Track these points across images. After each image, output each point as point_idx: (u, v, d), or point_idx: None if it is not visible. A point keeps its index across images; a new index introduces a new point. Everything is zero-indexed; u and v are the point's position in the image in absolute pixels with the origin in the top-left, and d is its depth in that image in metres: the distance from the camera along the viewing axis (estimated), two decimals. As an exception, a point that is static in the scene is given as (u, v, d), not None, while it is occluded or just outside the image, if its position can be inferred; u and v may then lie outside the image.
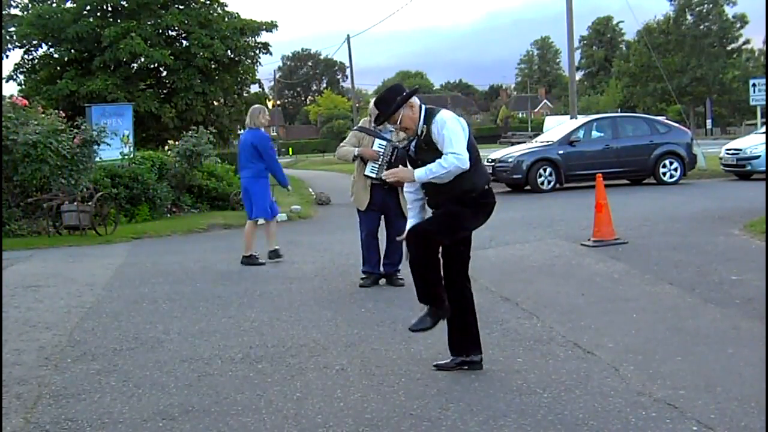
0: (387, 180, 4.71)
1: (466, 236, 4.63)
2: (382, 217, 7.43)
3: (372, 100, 7.69)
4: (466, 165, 4.33)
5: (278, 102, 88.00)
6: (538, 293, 6.76)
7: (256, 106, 9.41)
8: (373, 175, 7.11)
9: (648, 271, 7.42)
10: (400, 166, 4.98)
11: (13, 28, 25.80)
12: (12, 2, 27.09)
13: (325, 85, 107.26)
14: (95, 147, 13.20)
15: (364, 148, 7.18)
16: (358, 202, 7.38)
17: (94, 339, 5.69)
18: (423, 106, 4.52)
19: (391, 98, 4.51)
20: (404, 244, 4.74)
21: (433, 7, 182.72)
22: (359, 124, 7.54)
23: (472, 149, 4.45)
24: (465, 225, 4.57)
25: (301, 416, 3.96)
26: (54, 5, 26.50)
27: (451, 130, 4.36)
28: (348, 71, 63.66)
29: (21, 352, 5.33)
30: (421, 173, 4.39)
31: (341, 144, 7.53)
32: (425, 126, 4.45)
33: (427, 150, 4.44)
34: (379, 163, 7.07)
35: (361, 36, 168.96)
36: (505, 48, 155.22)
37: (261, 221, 9.18)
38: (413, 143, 4.57)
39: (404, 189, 4.86)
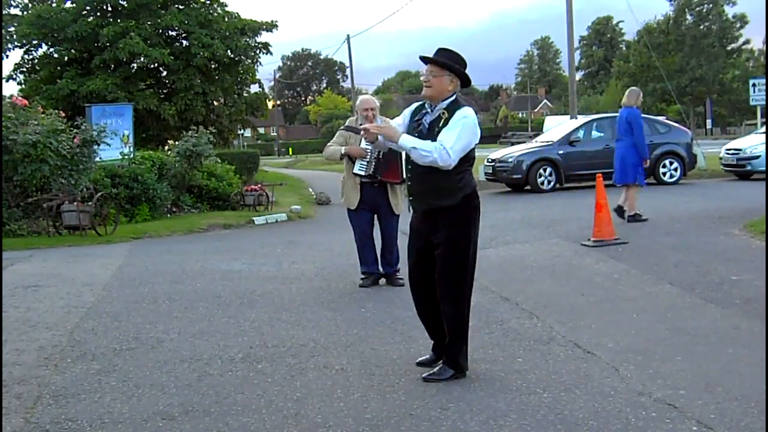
0: (369, 131, 4.49)
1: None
2: (375, 217, 7.41)
3: (360, 97, 7.65)
4: (449, 166, 4.28)
5: (278, 102, 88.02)
6: (538, 293, 6.76)
7: (634, 88, 11.33)
8: (363, 173, 7.08)
9: (648, 271, 7.41)
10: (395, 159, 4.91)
11: (13, 28, 25.80)
12: (12, 2, 27.09)
13: (325, 85, 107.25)
14: (95, 147, 13.19)
15: (351, 146, 7.12)
16: (349, 202, 7.34)
17: (94, 339, 5.69)
18: (456, 95, 4.44)
19: (455, 58, 4.40)
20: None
21: (438, 7, 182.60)
22: (346, 124, 7.50)
23: (470, 155, 4.45)
24: (474, 236, 4.56)
25: (301, 416, 3.96)
26: (54, 5, 26.52)
27: (465, 129, 4.31)
28: (348, 71, 63.71)
29: (21, 352, 5.33)
30: (407, 141, 4.30)
31: (328, 144, 7.44)
32: (446, 111, 4.37)
33: (436, 135, 4.35)
34: (367, 160, 7.02)
35: (363, 36, 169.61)
36: (507, 48, 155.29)
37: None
38: (428, 117, 4.44)
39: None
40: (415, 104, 4.66)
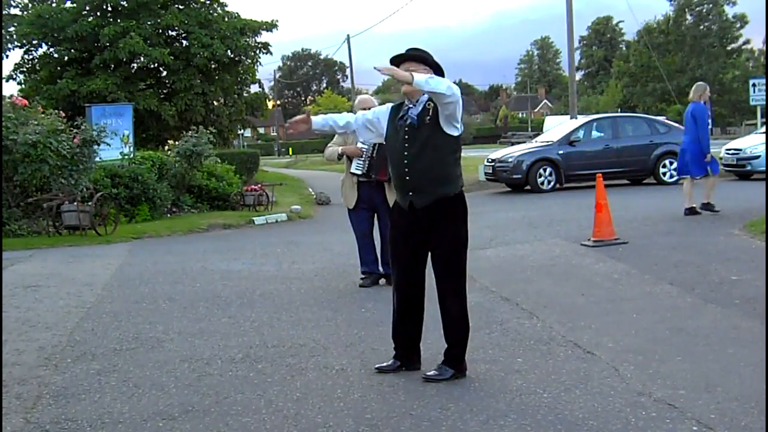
0: (382, 72, 4.35)
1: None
2: (375, 216, 7.41)
3: (359, 96, 7.64)
4: (456, 98, 4.28)
5: (278, 102, 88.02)
6: (538, 293, 6.76)
7: (700, 83, 11.79)
8: (359, 172, 7.10)
9: (648, 271, 7.41)
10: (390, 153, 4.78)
11: (13, 28, 25.80)
12: (12, 2, 27.09)
13: (325, 85, 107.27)
14: (95, 147, 13.19)
15: (348, 146, 7.16)
16: (347, 201, 7.38)
17: (94, 339, 5.69)
18: None
19: (431, 59, 4.49)
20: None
21: (440, 7, 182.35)
22: None
23: (461, 146, 4.54)
24: (467, 236, 4.54)
25: (301, 416, 3.96)
26: (54, 5, 26.52)
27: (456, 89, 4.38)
28: (348, 71, 63.72)
29: (21, 352, 5.33)
30: (420, 77, 4.21)
31: (328, 145, 7.51)
32: (431, 102, 4.39)
33: (428, 125, 4.39)
34: (363, 159, 7.06)
35: (363, 36, 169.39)
36: (509, 48, 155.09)
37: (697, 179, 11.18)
38: (413, 110, 4.45)
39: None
40: (390, 105, 4.68)
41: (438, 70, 4.49)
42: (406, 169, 4.44)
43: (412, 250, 4.53)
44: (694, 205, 11.15)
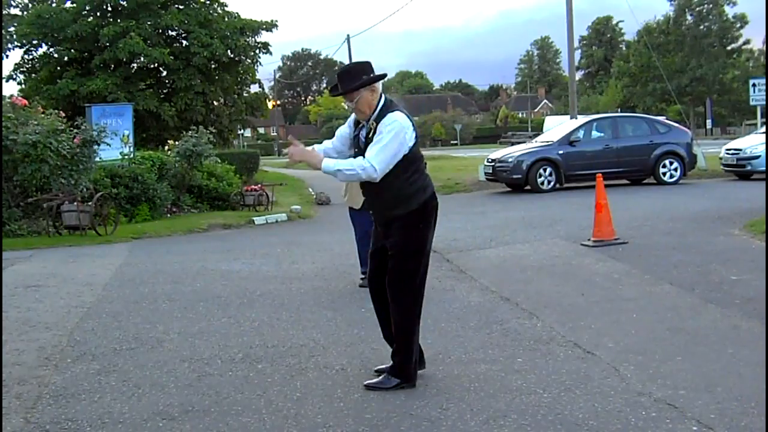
0: (293, 155, 4.34)
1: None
2: None
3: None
4: (376, 179, 4.20)
5: (278, 102, 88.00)
6: (538, 293, 6.76)
7: None
8: None
9: (648, 271, 7.41)
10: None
11: (13, 28, 25.81)
12: (12, 2, 27.11)
13: (325, 85, 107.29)
14: (95, 147, 13.20)
15: None
16: (353, 202, 7.40)
17: (94, 339, 5.69)
18: (383, 97, 4.31)
19: (357, 74, 4.27)
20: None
21: (443, 7, 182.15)
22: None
23: (412, 157, 4.30)
24: (428, 240, 4.40)
25: (301, 416, 3.96)
26: (54, 5, 26.52)
27: (391, 139, 4.17)
28: (348, 71, 63.52)
29: (21, 352, 5.33)
30: (329, 165, 4.23)
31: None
32: (375, 122, 4.25)
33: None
34: None
35: (364, 36, 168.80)
36: (511, 48, 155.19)
37: None
38: (363, 131, 4.35)
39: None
40: (353, 117, 4.57)
41: (375, 80, 4.29)
42: (363, 188, 4.51)
43: (377, 255, 4.48)
44: None
